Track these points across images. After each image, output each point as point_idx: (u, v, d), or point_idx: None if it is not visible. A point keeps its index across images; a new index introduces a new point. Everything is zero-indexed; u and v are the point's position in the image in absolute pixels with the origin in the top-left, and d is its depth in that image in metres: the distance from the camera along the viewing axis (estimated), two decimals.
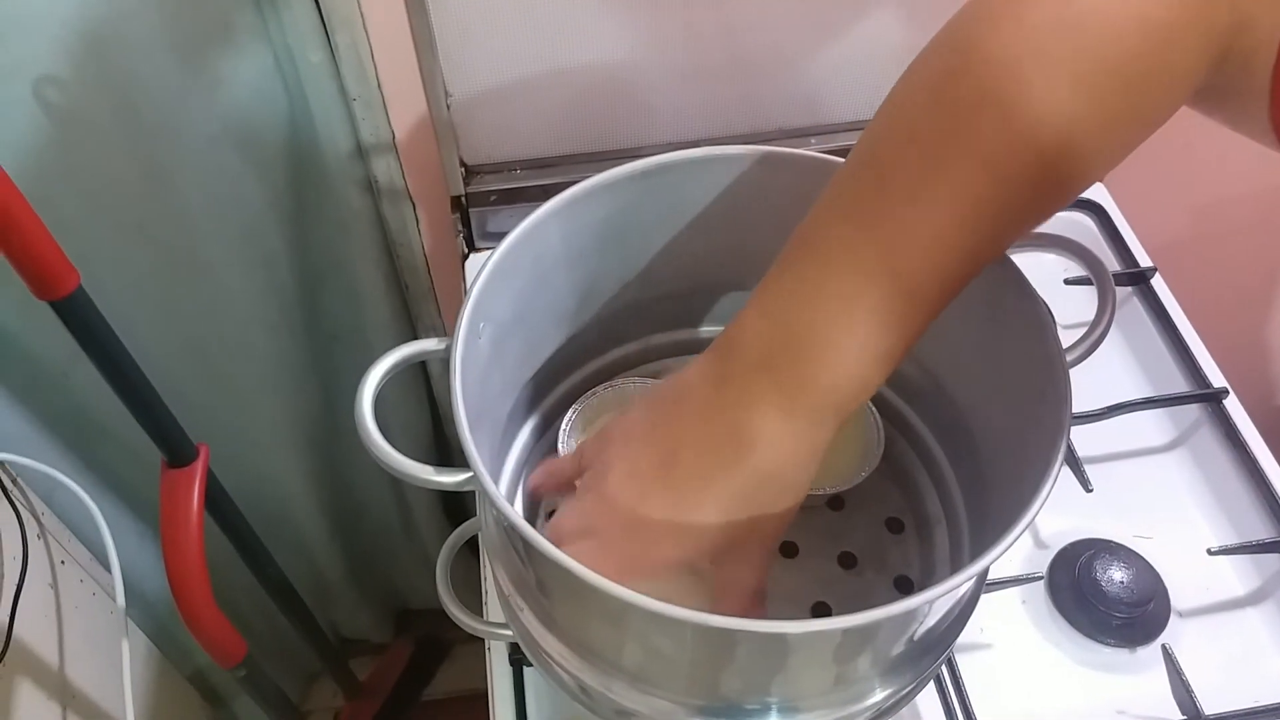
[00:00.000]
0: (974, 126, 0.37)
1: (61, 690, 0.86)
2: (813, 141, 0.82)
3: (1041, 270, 0.56)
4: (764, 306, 0.41)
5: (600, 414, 0.60)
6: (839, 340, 0.39)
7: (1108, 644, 0.62)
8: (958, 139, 0.37)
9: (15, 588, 0.77)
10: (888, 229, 0.38)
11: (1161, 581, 0.64)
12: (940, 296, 0.39)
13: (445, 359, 0.45)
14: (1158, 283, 0.79)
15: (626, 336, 0.61)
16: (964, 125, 0.37)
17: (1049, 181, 0.38)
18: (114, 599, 0.80)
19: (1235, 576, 0.66)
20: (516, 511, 0.43)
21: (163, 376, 0.73)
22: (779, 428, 0.40)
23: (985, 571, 0.42)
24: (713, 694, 0.44)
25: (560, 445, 0.57)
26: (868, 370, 0.40)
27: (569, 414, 0.58)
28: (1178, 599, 0.64)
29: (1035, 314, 0.47)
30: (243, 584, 0.97)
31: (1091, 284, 0.52)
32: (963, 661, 0.61)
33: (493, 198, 0.80)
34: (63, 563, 0.88)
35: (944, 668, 0.60)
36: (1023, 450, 0.46)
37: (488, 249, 0.82)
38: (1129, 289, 0.80)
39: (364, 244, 0.88)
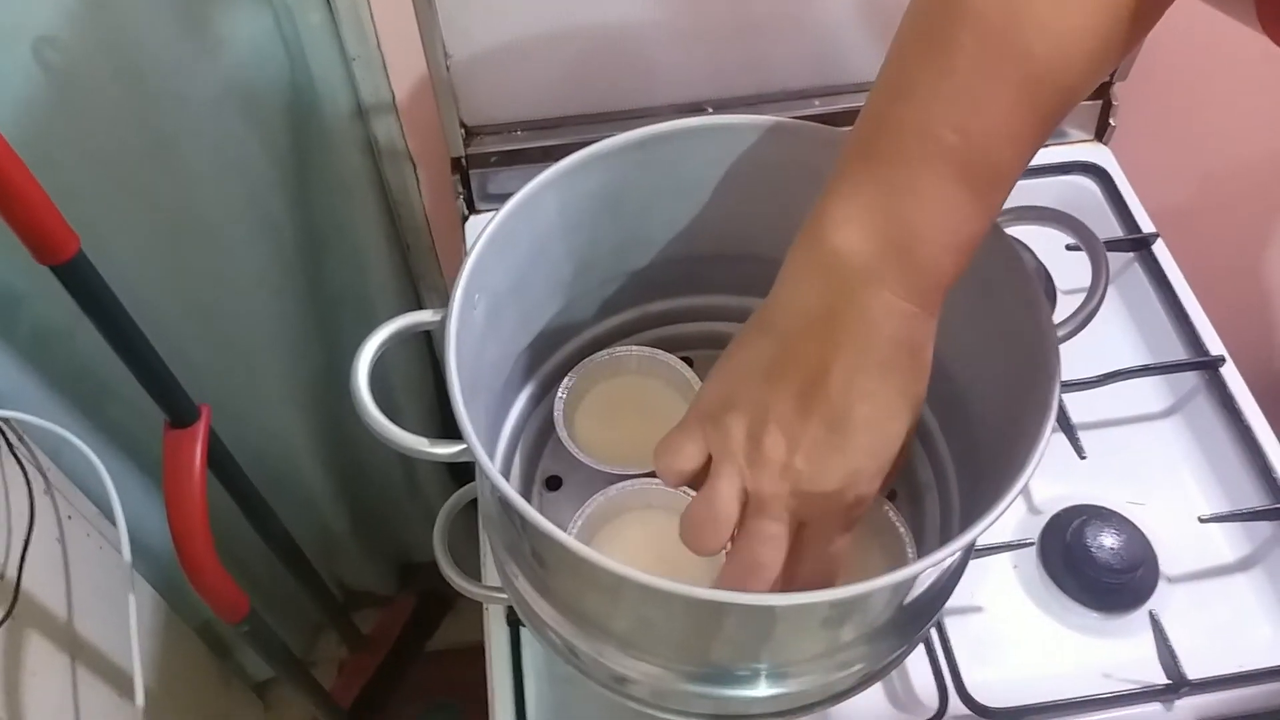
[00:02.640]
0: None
1: (70, 642, 0.87)
2: (816, 103, 0.81)
3: (1043, 237, 0.56)
4: (858, 217, 0.41)
5: (596, 382, 0.60)
6: (940, 236, 0.40)
7: (1096, 609, 0.63)
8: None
9: (23, 542, 0.78)
10: (962, 106, 0.39)
11: (1151, 548, 0.64)
12: (1018, 170, 0.41)
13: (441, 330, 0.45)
14: (1159, 249, 0.79)
15: (623, 305, 0.62)
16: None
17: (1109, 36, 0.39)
18: (120, 553, 0.82)
19: (1226, 544, 0.66)
20: (509, 485, 0.44)
21: (166, 339, 0.73)
22: (907, 311, 0.41)
23: (974, 540, 0.43)
24: (703, 660, 0.45)
25: (556, 413, 0.57)
26: (963, 258, 0.41)
27: (565, 381, 0.59)
28: (1168, 565, 0.64)
29: (1027, 287, 0.47)
30: (248, 539, 0.99)
31: None
32: (952, 625, 0.61)
33: (493, 159, 0.79)
34: (69, 518, 0.89)
35: (934, 631, 0.60)
36: (1014, 423, 0.46)
37: (489, 210, 0.82)
38: (1130, 255, 0.80)
39: (365, 205, 0.88)
